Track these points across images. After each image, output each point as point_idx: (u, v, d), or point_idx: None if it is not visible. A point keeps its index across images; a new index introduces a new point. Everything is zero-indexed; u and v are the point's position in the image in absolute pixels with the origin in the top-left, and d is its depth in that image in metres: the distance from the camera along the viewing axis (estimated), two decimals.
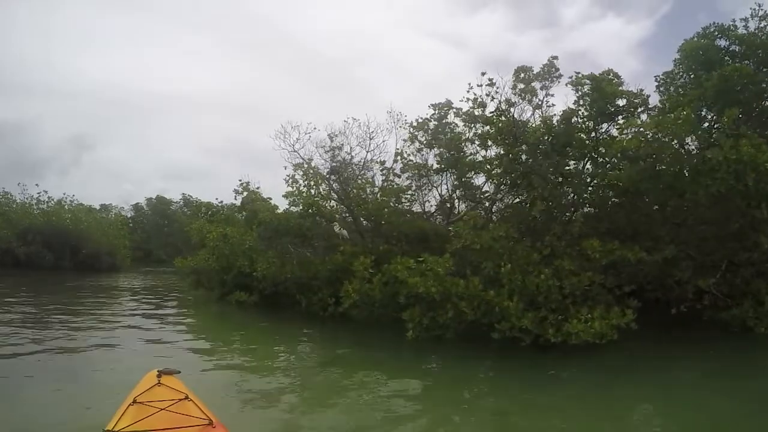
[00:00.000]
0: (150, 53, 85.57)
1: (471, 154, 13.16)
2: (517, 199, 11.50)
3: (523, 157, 10.29)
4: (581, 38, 76.71)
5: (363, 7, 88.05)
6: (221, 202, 22.47)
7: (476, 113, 12.04)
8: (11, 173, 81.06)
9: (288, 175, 13.78)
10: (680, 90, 11.59)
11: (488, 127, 10.91)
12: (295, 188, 13.34)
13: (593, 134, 10.10)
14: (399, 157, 15.32)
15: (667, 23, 67.75)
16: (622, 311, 7.96)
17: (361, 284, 10.01)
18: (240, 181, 17.78)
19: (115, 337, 9.88)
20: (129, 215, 48.73)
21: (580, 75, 10.07)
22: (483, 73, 11.85)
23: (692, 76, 11.58)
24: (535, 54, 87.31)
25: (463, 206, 14.95)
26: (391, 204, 13.09)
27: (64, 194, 34.48)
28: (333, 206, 13.95)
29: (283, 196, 14.52)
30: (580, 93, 10.10)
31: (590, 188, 10.45)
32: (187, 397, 3.82)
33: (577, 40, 76.60)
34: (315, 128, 14.82)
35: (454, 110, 13.97)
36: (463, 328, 8.76)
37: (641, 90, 10.25)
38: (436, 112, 13.90)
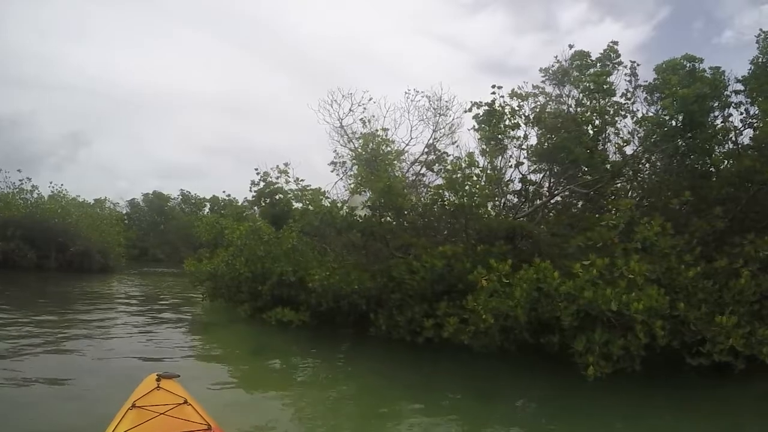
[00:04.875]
0: (146, 52, 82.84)
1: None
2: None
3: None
4: (579, 42, 74.89)
5: (363, 9, 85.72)
6: (228, 195, 19.28)
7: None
8: (7, 168, 76.70)
9: (351, 149, 10.38)
10: None
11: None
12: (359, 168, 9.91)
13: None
14: (432, 149, 12.42)
15: (664, 29, 67.21)
16: None
17: (494, 299, 6.82)
18: (257, 169, 14.55)
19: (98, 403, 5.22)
20: (124, 211, 44.81)
21: (636, 63, 9.78)
22: (571, 45, 10.51)
23: None
24: (534, 57, 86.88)
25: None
26: (496, 193, 9.66)
27: (51, 183, 31.02)
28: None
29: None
30: (635, 82, 9.72)
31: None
32: (186, 402, 3.69)
33: (575, 44, 74.60)
34: (370, 98, 11.81)
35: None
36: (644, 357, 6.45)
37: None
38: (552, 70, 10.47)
